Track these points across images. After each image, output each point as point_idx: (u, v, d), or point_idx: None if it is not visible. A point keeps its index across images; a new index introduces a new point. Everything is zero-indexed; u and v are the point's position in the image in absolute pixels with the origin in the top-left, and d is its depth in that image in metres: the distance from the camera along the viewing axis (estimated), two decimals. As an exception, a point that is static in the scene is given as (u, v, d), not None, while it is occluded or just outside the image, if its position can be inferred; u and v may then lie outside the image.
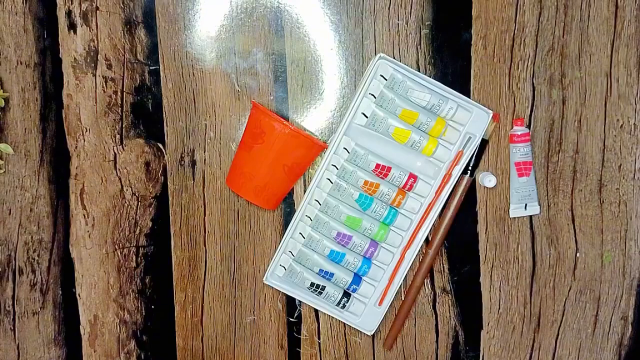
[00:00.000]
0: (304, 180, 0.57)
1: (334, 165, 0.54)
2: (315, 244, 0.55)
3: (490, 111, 0.53)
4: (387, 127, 0.53)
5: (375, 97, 0.53)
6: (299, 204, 0.56)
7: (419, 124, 0.53)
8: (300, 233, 0.55)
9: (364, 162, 0.54)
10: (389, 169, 0.54)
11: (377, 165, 0.54)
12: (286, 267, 0.56)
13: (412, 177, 0.54)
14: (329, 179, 0.54)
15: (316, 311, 0.58)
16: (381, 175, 0.54)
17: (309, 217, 0.55)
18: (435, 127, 0.53)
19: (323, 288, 0.55)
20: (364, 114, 0.53)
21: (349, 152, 0.54)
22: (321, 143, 0.53)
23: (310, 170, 0.56)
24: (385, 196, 0.54)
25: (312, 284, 0.55)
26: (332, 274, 0.55)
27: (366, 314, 0.57)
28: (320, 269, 0.55)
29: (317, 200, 0.55)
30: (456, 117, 0.53)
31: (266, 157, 0.52)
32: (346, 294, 0.56)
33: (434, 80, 0.53)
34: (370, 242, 0.55)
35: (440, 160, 0.54)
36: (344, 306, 0.56)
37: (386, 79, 0.53)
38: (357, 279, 0.56)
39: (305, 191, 0.56)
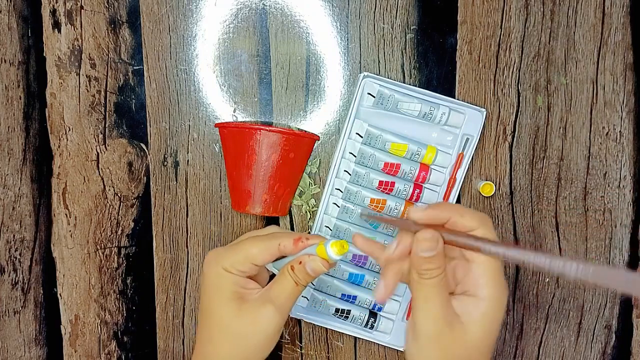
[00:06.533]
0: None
1: (338, 189, 0.54)
2: (332, 270, 0.55)
3: (484, 109, 0.53)
4: (383, 143, 0.53)
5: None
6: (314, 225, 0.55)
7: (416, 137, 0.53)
8: None
9: (367, 181, 0.54)
10: (393, 183, 0.53)
11: (380, 182, 0.53)
12: (308, 298, 0.55)
13: (418, 187, 0.54)
14: (335, 204, 0.54)
15: (298, 315, 0.58)
16: (386, 191, 0.54)
17: None
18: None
19: (349, 312, 0.55)
20: (358, 134, 0.53)
21: (350, 174, 0.54)
22: (312, 135, 0.53)
23: (314, 200, 0.56)
24: (393, 211, 0.54)
25: (337, 310, 0.55)
26: (354, 297, 0.55)
27: (395, 330, 0.56)
28: (342, 294, 0.55)
29: (327, 227, 0.55)
30: (450, 121, 0.53)
31: (262, 168, 0.51)
32: (372, 314, 0.56)
33: (421, 89, 0.52)
34: None
35: (442, 166, 0.54)
36: (372, 326, 0.55)
37: (374, 96, 0.52)
38: None
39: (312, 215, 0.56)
